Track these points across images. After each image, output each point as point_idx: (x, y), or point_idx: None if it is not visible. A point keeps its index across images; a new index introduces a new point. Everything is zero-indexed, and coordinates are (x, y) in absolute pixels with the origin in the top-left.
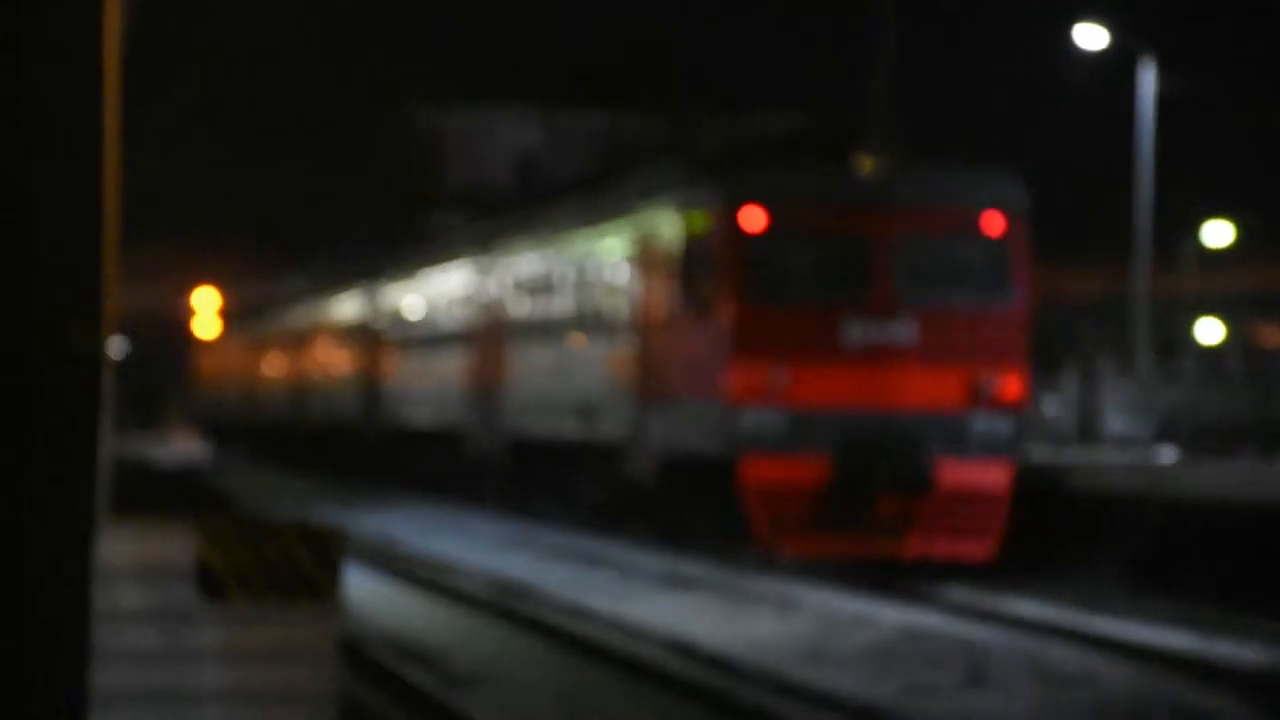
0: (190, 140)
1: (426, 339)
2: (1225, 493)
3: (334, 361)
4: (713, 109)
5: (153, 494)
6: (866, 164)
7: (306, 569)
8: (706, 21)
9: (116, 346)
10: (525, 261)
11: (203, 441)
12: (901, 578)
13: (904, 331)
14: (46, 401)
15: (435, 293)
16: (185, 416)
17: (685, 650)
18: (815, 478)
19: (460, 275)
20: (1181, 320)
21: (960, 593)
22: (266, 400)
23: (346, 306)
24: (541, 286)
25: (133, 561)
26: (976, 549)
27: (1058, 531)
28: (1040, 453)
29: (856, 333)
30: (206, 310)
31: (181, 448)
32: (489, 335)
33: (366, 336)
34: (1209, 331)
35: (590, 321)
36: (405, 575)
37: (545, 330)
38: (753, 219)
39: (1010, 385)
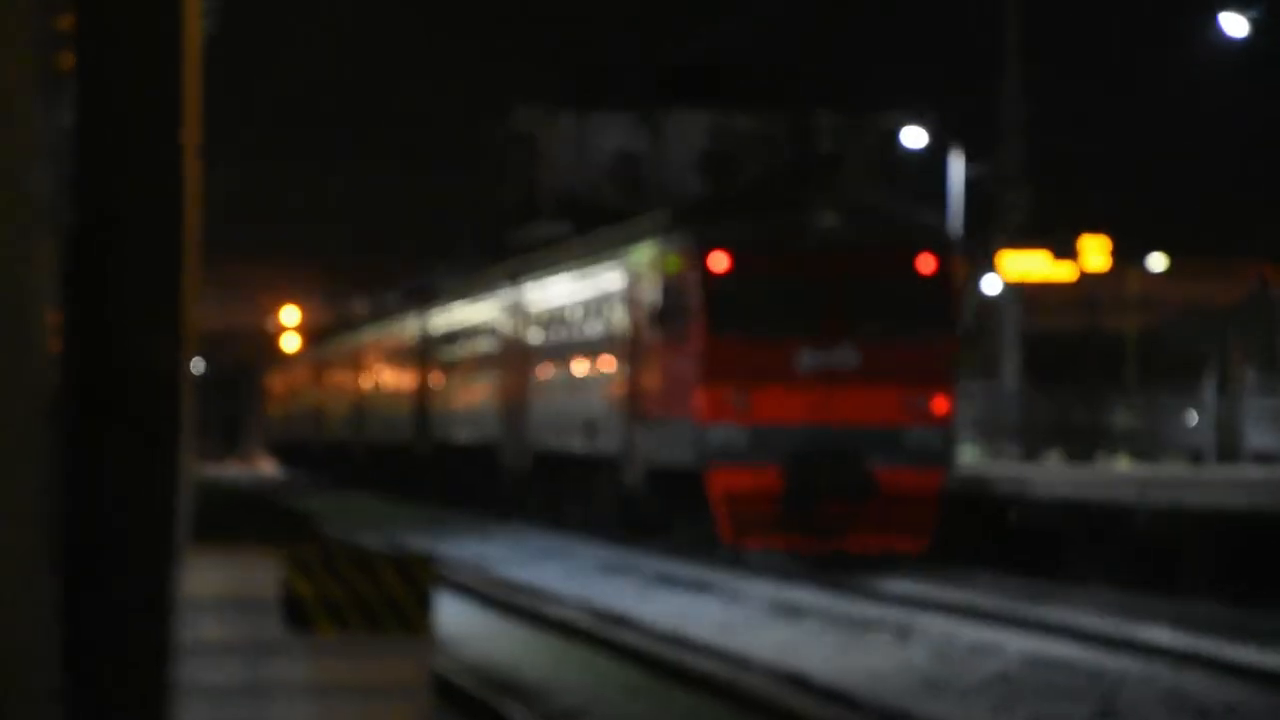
0: (280, 150)
1: (466, 363)
2: None
3: (391, 384)
4: (828, 108)
5: (235, 518)
6: (820, 214)
7: (397, 598)
8: (822, 20)
9: (197, 366)
10: (542, 296)
11: (276, 463)
12: (846, 570)
13: (848, 359)
14: (127, 422)
15: (473, 322)
16: (258, 438)
17: (797, 681)
18: (772, 484)
19: (492, 306)
20: None
21: (1091, 620)
22: (331, 421)
23: (401, 332)
24: (555, 319)
25: (217, 591)
26: (911, 545)
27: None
28: (1174, 469)
29: (807, 360)
30: (291, 327)
31: (256, 470)
32: (515, 361)
33: (418, 361)
34: None
35: (592, 349)
36: (500, 603)
37: (558, 357)
38: (718, 262)
39: (940, 403)
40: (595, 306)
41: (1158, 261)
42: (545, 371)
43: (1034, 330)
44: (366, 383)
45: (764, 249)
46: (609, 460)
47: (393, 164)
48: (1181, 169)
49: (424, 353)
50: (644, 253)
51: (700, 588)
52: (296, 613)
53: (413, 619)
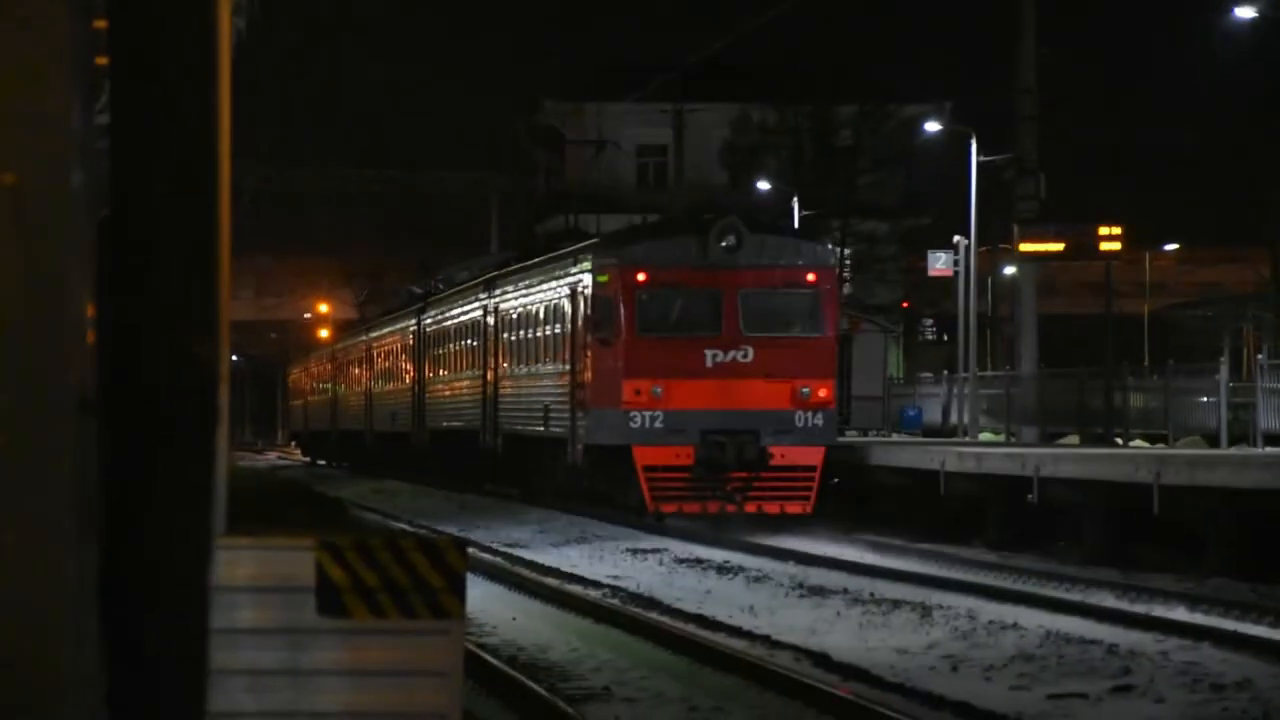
0: (309, 143)
1: (453, 361)
2: None
3: (395, 377)
4: (849, 101)
5: (269, 506)
6: (721, 238)
7: (429, 583)
8: (845, 15)
9: (231, 358)
10: (511, 304)
11: (302, 451)
12: (744, 530)
13: (746, 356)
14: (163, 412)
15: (459, 324)
16: (282, 426)
17: (821, 660)
18: (684, 459)
19: (474, 312)
20: None
21: (1106, 598)
22: (345, 412)
23: (403, 332)
24: (520, 323)
25: (250, 578)
26: (799, 507)
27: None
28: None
29: (712, 358)
30: (327, 319)
31: (283, 457)
32: (490, 358)
33: (416, 358)
34: None
35: (547, 349)
36: (529, 586)
37: (522, 355)
38: (638, 278)
39: (821, 392)
40: (549, 314)
41: (1171, 247)
42: (513, 367)
43: (1049, 315)
44: (375, 377)
45: (675, 267)
46: (559, 440)
47: (417, 159)
48: (1193, 156)
49: (421, 351)
50: (582, 270)
51: (723, 570)
52: (329, 598)
53: (445, 603)
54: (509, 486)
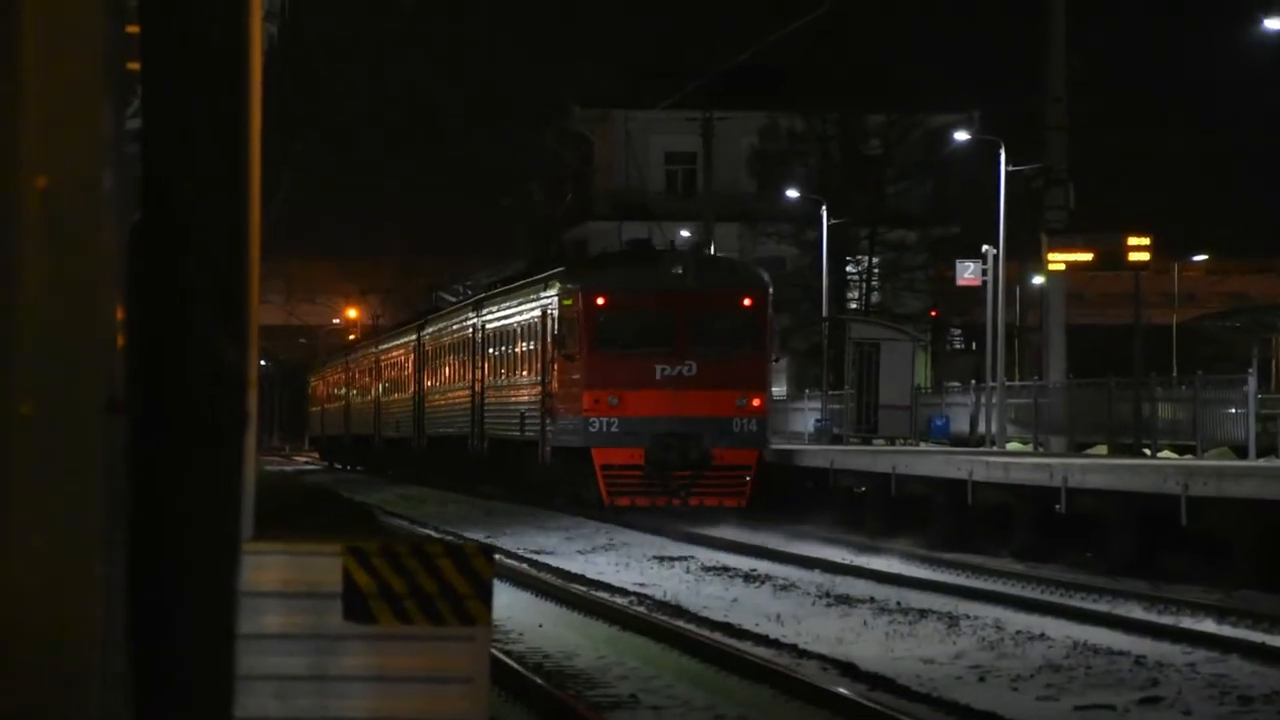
0: (338, 152)
1: (448, 373)
2: None
3: (400, 387)
4: (878, 110)
5: (295, 512)
6: (670, 267)
7: (456, 589)
8: (874, 23)
9: (259, 362)
10: (493, 322)
11: (321, 457)
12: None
13: (690, 370)
14: (191, 415)
15: (452, 340)
16: (303, 432)
17: (848, 669)
18: (637, 460)
19: (463, 329)
20: None
21: (1134, 609)
22: (356, 419)
23: (406, 346)
24: (501, 340)
25: (277, 582)
26: (734, 502)
27: None
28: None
29: (661, 370)
30: (355, 324)
31: (310, 463)
32: (478, 371)
33: (417, 369)
34: None
35: (523, 363)
36: (555, 592)
37: (503, 368)
38: (598, 299)
39: (756, 401)
40: (525, 332)
41: (1200, 258)
42: (496, 379)
43: (1077, 325)
44: (382, 386)
45: (631, 290)
46: (533, 443)
47: (448, 168)
48: (1224, 169)
49: (421, 363)
50: (550, 293)
51: (750, 578)
52: (356, 604)
53: (471, 609)
54: (495, 487)
